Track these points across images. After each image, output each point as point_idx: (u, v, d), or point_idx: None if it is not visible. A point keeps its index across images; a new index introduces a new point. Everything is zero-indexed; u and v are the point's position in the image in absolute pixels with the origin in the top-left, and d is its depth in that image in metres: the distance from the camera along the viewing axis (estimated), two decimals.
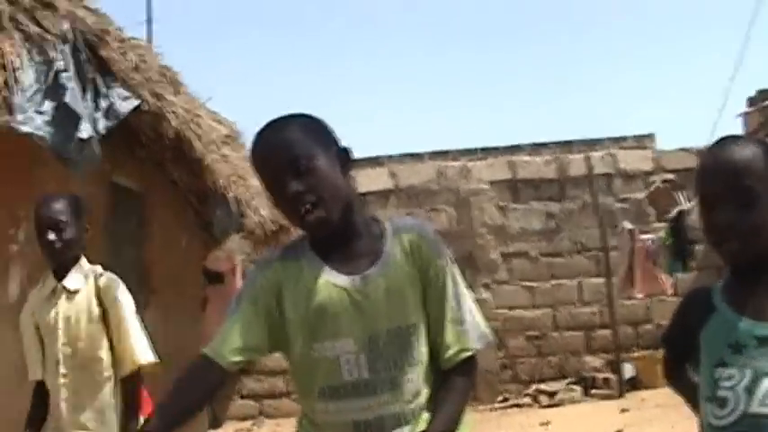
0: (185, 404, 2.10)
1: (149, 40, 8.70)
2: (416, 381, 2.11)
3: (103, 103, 5.38)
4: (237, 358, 2.10)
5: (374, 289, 2.10)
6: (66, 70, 5.09)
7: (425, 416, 2.12)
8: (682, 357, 2.16)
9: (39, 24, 5.08)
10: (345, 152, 2.17)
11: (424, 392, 2.13)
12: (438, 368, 2.16)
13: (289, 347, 2.15)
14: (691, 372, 2.16)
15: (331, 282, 2.10)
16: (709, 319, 1.95)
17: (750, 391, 1.83)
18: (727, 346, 1.89)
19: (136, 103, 5.69)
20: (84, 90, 5.22)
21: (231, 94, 27.59)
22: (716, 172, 1.92)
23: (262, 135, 2.13)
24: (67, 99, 5.04)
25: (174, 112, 6.42)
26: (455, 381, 2.15)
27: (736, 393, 1.85)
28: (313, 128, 2.15)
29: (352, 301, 2.09)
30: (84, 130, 5.06)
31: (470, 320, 2.17)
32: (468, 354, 2.15)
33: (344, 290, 2.10)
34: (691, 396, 2.14)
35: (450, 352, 2.14)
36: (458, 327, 2.15)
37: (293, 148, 2.07)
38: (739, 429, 1.84)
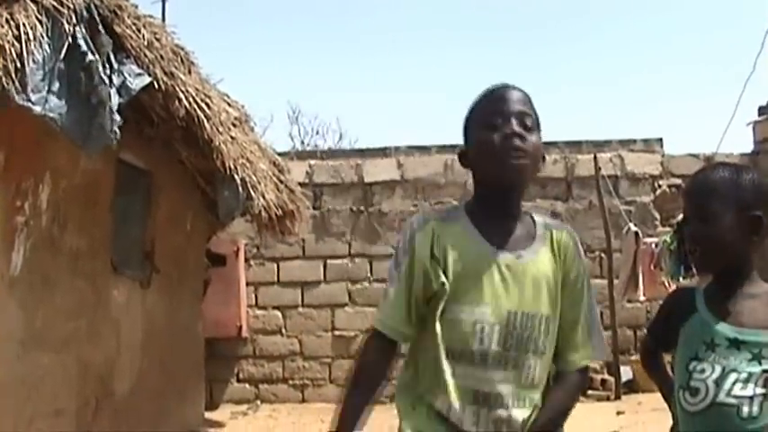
0: (375, 383, 2.22)
1: (163, 18, 8.67)
2: (536, 369, 2.17)
3: (116, 80, 5.36)
4: (408, 330, 2.21)
5: (522, 270, 2.17)
6: (87, 49, 5.08)
7: (537, 404, 2.19)
8: (661, 345, 2.49)
9: None
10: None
11: (542, 384, 2.20)
12: (556, 366, 2.24)
13: (430, 303, 2.21)
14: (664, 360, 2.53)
15: (484, 250, 2.18)
16: (690, 318, 2.26)
17: (718, 383, 2.15)
18: (702, 343, 2.20)
19: (148, 80, 5.68)
20: (99, 66, 5.20)
21: (242, 76, 27.53)
22: (687, 194, 2.35)
23: (504, 85, 2.26)
24: (85, 78, 5.03)
25: (185, 92, 6.41)
26: (572, 381, 2.25)
27: (707, 385, 2.16)
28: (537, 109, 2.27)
29: (500, 274, 2.16)
30: (107, 113, 5.06)
31: (597, 331, 2.28)
32: (589, 361, 2.26)
33: (495, 262, 2.16)
34: (660, 382, 2.52)
35: (577, 356, 2.24)
36: (587, 334, 2.25)
37: (529, 107, 2.22)
38: (708, 415, 2.15)
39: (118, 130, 5.22)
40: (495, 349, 2.13)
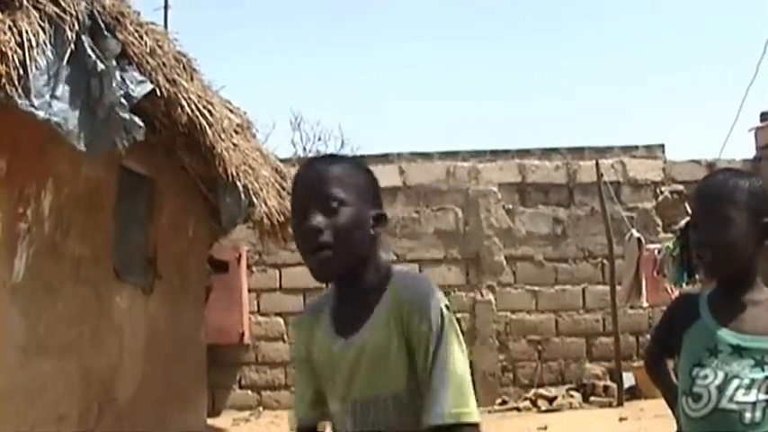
0: None
1: (165, 26, 8.70)
2: None
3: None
4: (313, 413, 2.19)
5: (354, 355, 2.03)
6: (94, 55, 5.10)
7: None
8: (665, 352, 2.49)
9: (57, 3, 5.07)
10: (381, 215, 2.09)
11: None
12: None
13: None
14: (669, 365, 2.53)
15: (328, 344, 2.09)
16: (693, 324, 2.27)
17: (721, 389, 2.17)
18: (705, 350, 2.22)
19: (150, 87, 5.69)
20: (102, 73, 5.22)
21: (244, 83, 27.54)
22: (697, 199, 2.31)
23: (313, 161, 2.10)
24: (95, 84, 5.06)
25: (187, 99, 6.42)
26: None
27: (709, 391, 2.18)
28: (363, 178, 2.10)
29: (340, 365, 2.05)
30: (119, 117, 5.10)
31: (442, 393, 1.96)
32: (433, 425, 1.95)
33: (337, 352, 2.06)
34: (664, 388, 2.50)
35: (424, 418, 1.97)
36: (431, 398, 1.97)
37: (333, 185, 2.01)
38: (711, 421, 2.17)
39: (141, 123, 5.25)
40: None
